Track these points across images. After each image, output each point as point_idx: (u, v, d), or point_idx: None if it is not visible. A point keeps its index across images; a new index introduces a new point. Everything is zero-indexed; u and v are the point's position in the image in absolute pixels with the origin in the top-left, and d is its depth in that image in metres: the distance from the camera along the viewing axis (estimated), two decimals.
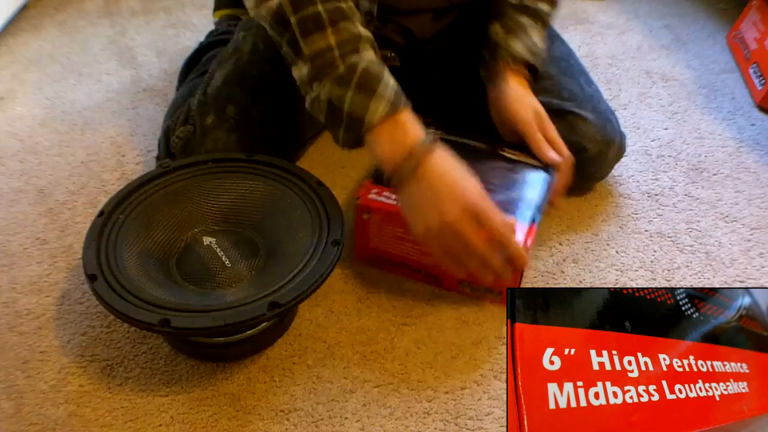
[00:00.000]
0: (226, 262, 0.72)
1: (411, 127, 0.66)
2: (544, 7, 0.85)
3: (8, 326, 0.76)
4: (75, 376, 0.71)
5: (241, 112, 0.82)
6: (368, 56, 0.67)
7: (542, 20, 0.85)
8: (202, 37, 1.07)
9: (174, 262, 0.72)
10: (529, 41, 0.83)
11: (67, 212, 0.91)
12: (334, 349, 0.74)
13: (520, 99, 0.81)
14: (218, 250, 0.73)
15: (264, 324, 0.70)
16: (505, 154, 0.85)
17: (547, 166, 0.84)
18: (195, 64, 0.96)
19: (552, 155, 0.80)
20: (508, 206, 0.77)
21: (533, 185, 0.81)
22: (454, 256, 0.68)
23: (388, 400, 0.70)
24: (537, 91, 0.89)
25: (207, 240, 0.74)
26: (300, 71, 0.68)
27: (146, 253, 0.71)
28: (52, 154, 1.01)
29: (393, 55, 0.90)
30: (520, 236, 0.73)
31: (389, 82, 0.67)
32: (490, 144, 0.87)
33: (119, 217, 0.71)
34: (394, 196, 0.76)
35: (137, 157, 1.00)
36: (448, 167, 0.66)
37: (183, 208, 0.75)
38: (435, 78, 0.97)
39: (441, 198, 0.65)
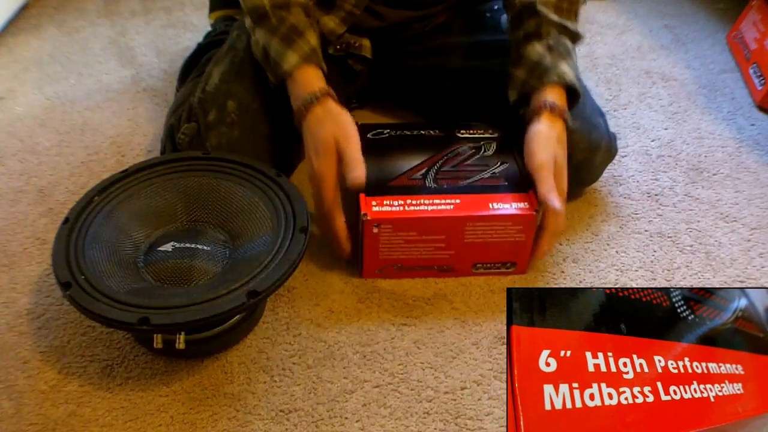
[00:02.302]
0: (196, 259, 0.72)
1: (308, 81, 0.77)
2: (574, 27, 0.84)
3: (8, 326, 0.76)
4: (75, 376, 0.71)
5: (241, 106, 0.83)
6: (298, 15, 0.78)
7: (575, 42, 0.85)
8: (201, 37, 1.07)
9: (142, 261, 0.72)
10: (573, 65, 0.83)
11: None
12: (334, 349, 0.75)
13: (544, 143, 0.78)
14: (186, 247, 0.73)
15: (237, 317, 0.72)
16: (462, 134, 0.87)
17: (504, 132, 0.87)
18: (194, 64, 0.97)
19: (553, 202, 0.76)
20: (498, 185, 0.79)
21: (505, 155, 0.84)
22: (316, 200, 0.78)
23: (388, 400, 0.70)
24: None
25: (173, 238, 0.74)
26: (246, 22, 0.83)
27: (115, 255, 0.71)
28: (52, 154, 1.01)
29: (366, 43, 0.93)
30: (527, 204, 0.77)
31: (310, 40, 0.78)
32: (446, 130, 0.88)
33: (84, 222, 0.72)
34: (397, 202, 0.76)
35: (137, 157, 1.00)
36: (324, 119, 0.75)
37: (146, 209, 0.75)
38: (405, 64, 1.00)
39: (309, 147, 0.76)
